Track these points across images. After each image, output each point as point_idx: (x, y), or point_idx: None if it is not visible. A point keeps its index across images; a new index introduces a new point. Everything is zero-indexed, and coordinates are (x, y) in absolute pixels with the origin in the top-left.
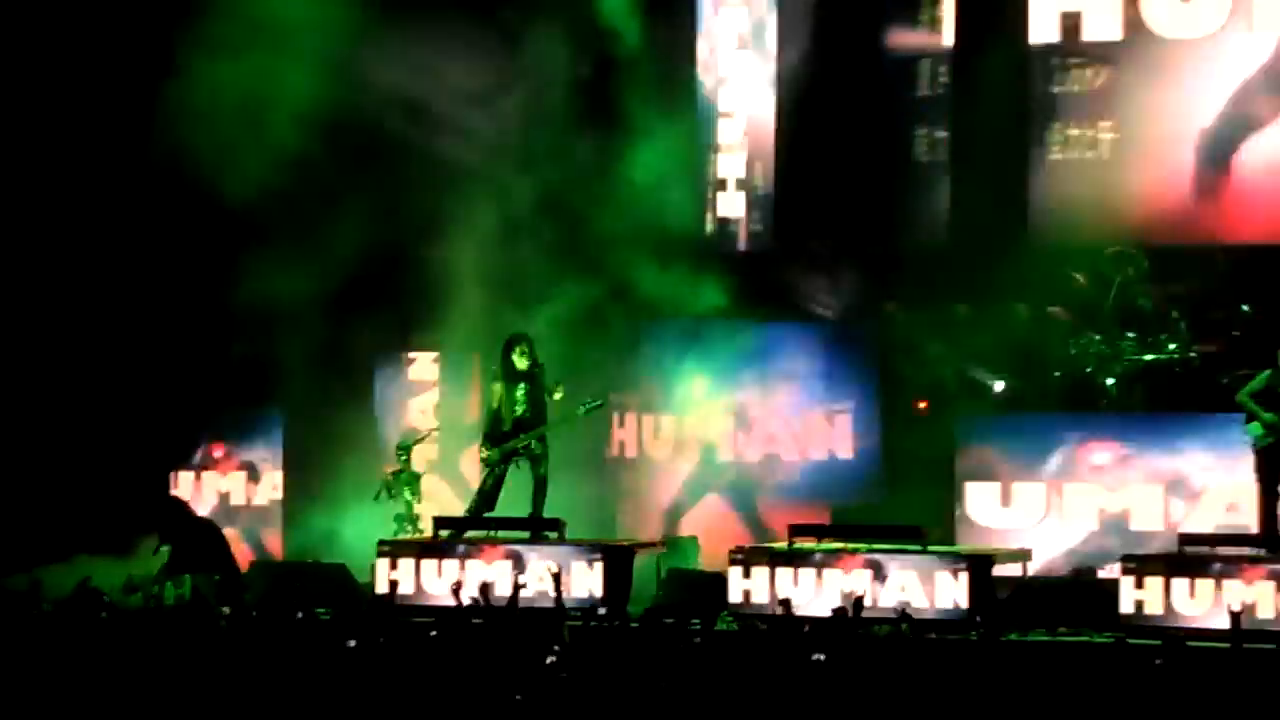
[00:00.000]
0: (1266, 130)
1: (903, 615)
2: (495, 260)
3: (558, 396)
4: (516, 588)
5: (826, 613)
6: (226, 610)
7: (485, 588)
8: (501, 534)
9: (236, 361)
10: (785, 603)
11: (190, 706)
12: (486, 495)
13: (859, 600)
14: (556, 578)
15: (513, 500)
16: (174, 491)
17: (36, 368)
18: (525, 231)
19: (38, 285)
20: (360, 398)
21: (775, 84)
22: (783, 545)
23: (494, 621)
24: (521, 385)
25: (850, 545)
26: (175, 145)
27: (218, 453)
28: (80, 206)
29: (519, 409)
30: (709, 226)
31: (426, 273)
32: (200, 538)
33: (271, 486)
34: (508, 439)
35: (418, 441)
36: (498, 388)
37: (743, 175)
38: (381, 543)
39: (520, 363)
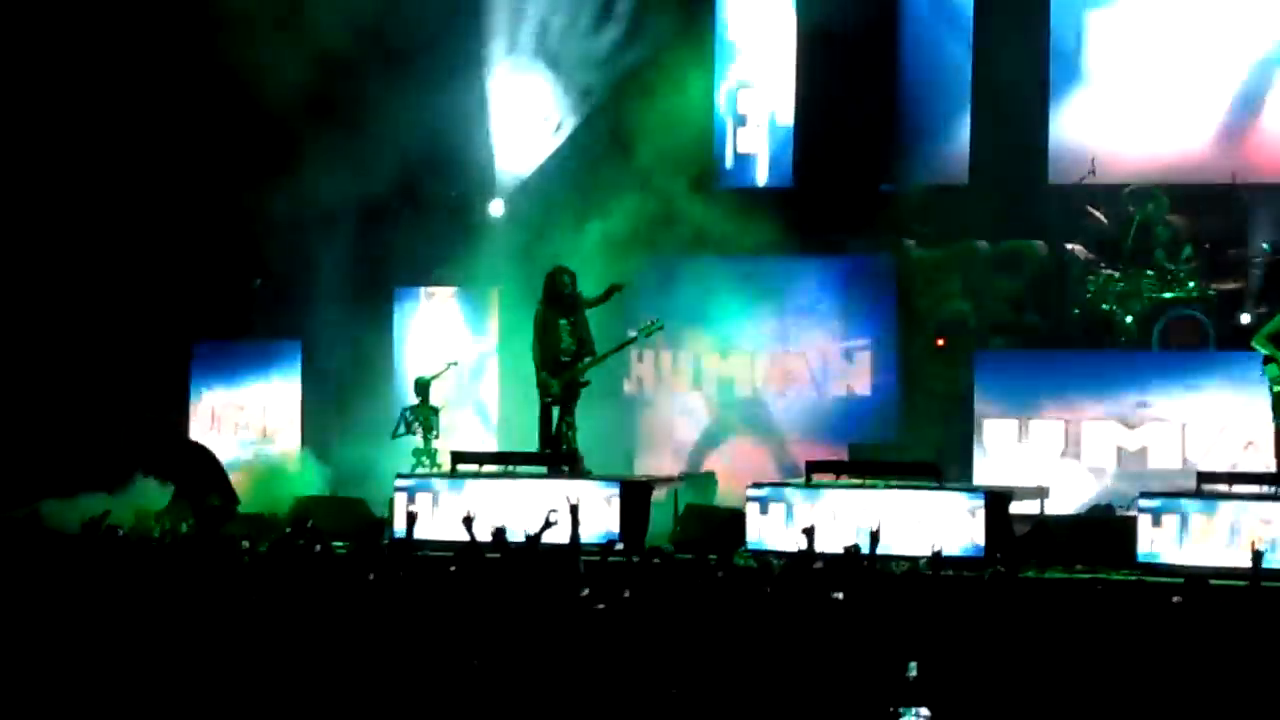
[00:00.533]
0: None
1: (935, 555)
2: (518, 194)
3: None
4: (547, 522)
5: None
6: (246, 545)
7: (499, 532)
8: (519, 469)
9: (257, 293)
10: (809, 531)
11: (208, 638)
12: (557, 431)
13: (875, 534)
14: (575, 510)
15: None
16: (194, 422)
17: (45, 297)
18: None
19: (45, 213)
20: (380, 331)
21: (796, 19)
22: (800, 481)
23: (513, 556)
24: (567, 316)
25: (868, 481)
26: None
27: (239, 383)
28: (83, 135)
29: (565, 340)
30: (729, 161)
31: (448, 206)
32: (193, 463)
33: (289, 420)
34: (565, 369)
35: (436, 377)
36: (544, 319)
37: (764, 111)
38: (399, 476)
39: (564, 293)
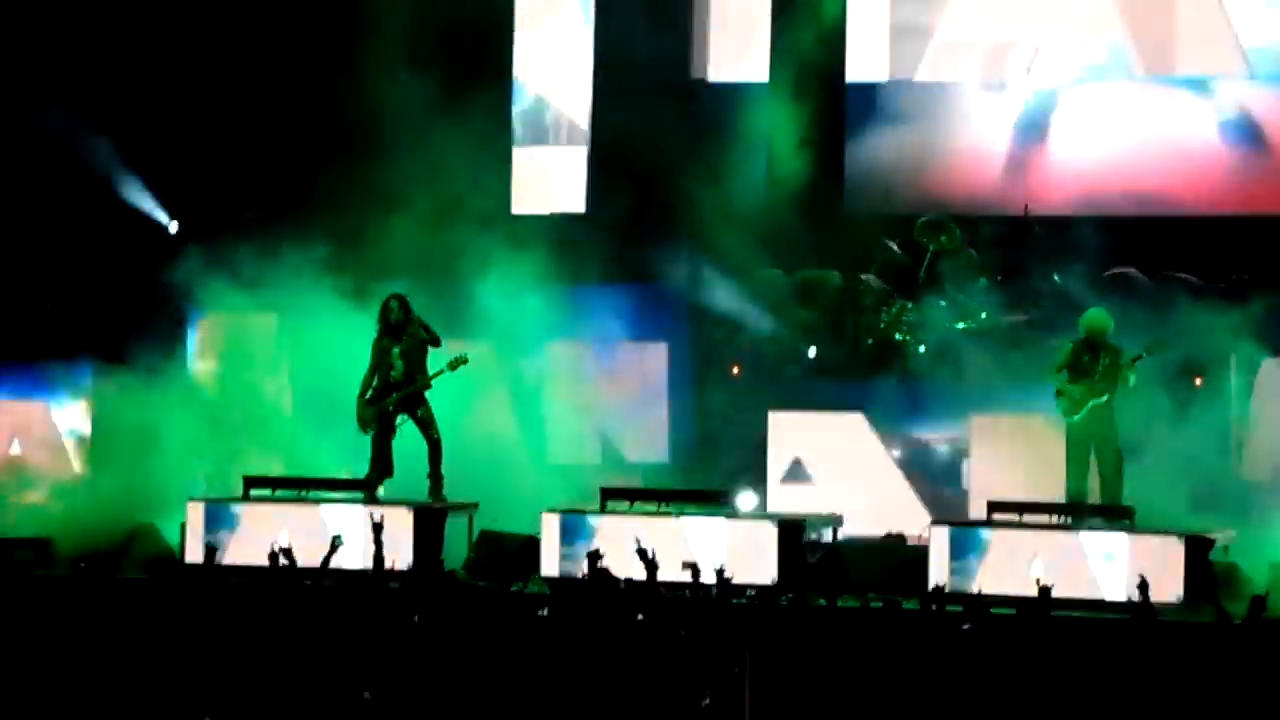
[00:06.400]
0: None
1: (720, 577)
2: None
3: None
4: (334, 546)
5: (637, 575)
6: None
7: (287, 551)
8: (311, 494)
9: (48, 315)
10: (594, 554)
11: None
12: (380, 460)
13: (695, 567)
14: (378, 527)
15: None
16: None
17: None
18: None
19: None
20: (173, 351)
21: (592, 54)
22: (595, 508)
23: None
24: (397, 344)
25: (662, 508)
26: None
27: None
28: None
29: (395, 369)
30: (527, 188)
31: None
32: None
33: (76, 448)
34: (384, 398)
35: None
36: (378, 349)
37: (560, 138)
38: (191, 500)
39: (391, 319)
